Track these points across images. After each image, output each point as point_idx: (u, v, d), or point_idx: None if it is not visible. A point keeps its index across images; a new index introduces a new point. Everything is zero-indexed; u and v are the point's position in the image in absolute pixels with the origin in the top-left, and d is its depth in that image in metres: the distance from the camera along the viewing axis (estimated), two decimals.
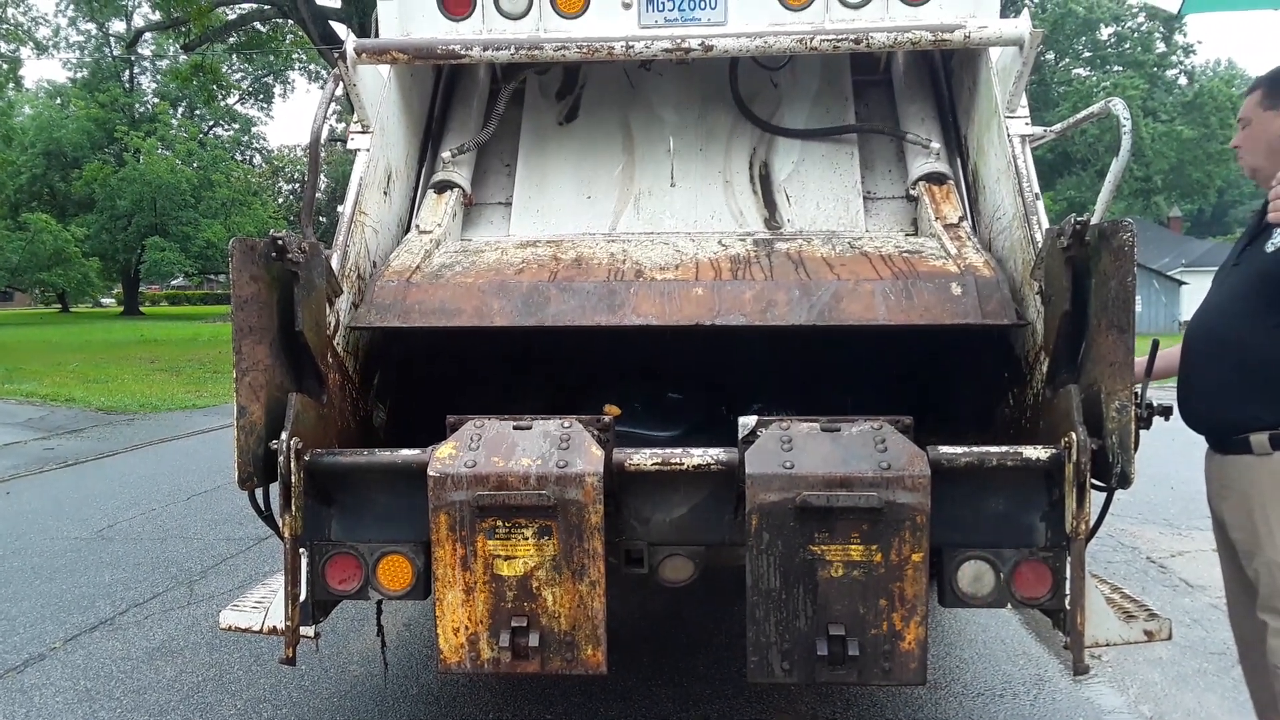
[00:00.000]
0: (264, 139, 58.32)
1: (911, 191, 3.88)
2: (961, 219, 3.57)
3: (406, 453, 2.64)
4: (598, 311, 3.08)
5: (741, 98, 4.20)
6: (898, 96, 4.26)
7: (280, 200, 54.06)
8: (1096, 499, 2.49)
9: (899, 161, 4.12)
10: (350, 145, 3.64)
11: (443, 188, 3.96)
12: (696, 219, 3.96)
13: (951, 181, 3.78)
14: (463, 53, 3.59)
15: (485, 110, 4.29)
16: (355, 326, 3.17)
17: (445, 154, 4.04)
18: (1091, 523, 2.44)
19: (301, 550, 2.61)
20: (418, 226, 3.75)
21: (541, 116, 4.29)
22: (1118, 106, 3.04)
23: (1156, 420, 2.57)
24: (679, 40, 3.51)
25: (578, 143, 4.21)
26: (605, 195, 4.06)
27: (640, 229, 3.90)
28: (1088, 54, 46.32)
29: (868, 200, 4.00)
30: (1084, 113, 3.44)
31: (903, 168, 4.07)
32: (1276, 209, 2.37)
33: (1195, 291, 34.06)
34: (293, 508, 2.49)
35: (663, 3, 3.78)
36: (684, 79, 4.32)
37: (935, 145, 3.91)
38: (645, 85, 4.32)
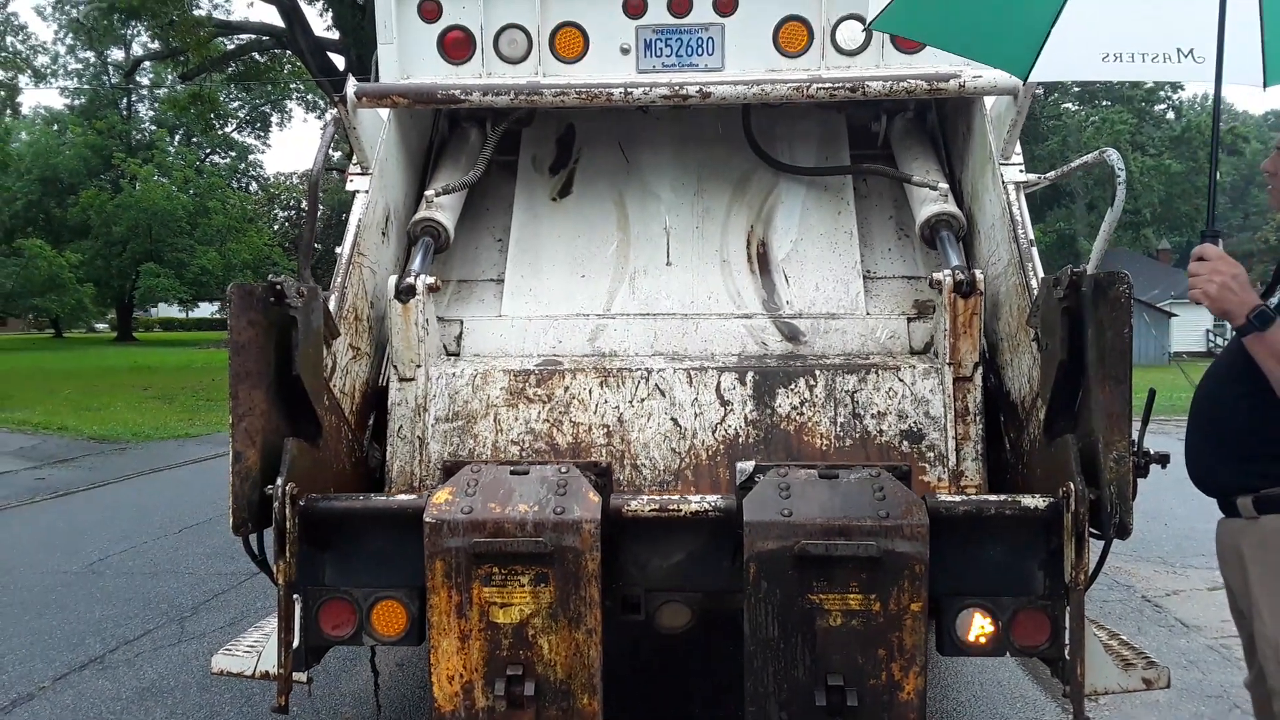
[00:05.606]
0: (260, 166, 58.28)
1: (935, 278, 3.44)
2: (976, 367, 3.38)
3: (402, 498, 2.64)
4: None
5: (756, 140, 4.12)
6: (899, 161, 4.17)
7: (275, 227, 54.08)
8: (1094, 544, 2.49)
9: (899, 240, 4.05)
10: (350, 187, 3.65)
11: (419, 232, 3.78)
12: (694, 299, 3.84)
13: (978, 296, 3.37)
14: (462, 97, 3.62)
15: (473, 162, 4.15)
16: None
17: (429, 192, 3.88)
18: (1090, 571, 2.45)
19: (295, 596, 2.59)
20: (396, 369, 3.50)
21: (534, 192, 4.20)
22: (1112, 156, 3.07)
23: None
24: (677, 86, 3.55)
25: (571, 220, 4.11)
26: (599, 274, 3.95)
27: (635, 310, 3.82)
28: (1076, 89, 46.91)
29: (867, 280, 3.89)
30: (1079, 161, 3.49)
31: (903, 246, 3.99)
32: (1192, 287, 2.30)
33: (1185, 323, 34.20)
34: (287, 554, 2.48)
35: (661, 49, 3.79)
36: (680, 155, 4.23)
37: (943, 186, 3.79)
38: (641, 161, 4.25)
